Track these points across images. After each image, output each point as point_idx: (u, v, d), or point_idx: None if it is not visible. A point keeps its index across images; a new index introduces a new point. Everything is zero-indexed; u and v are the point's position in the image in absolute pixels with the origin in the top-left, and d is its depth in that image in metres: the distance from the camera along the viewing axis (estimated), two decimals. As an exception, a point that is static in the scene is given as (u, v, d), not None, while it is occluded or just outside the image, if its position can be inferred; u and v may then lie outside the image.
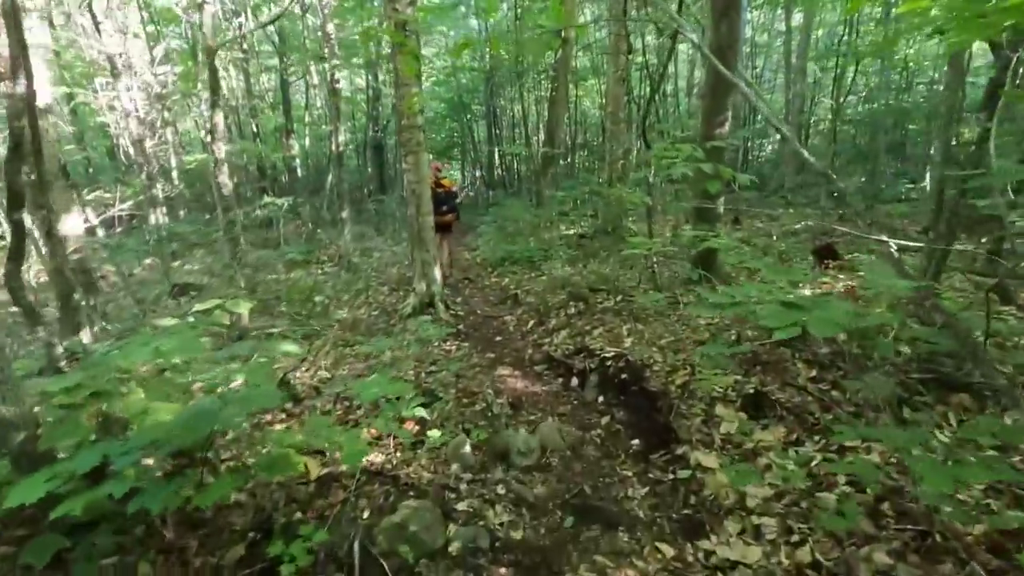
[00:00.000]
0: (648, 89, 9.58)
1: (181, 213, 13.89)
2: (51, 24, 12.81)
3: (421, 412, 3.20)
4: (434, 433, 3.28)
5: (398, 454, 3.21)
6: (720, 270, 6.39)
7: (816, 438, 3.01)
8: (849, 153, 13.66)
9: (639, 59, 10.52)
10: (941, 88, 15.17)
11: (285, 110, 16.34)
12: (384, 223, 14.08)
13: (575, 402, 4.16)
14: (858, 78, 14.66)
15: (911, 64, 15.53)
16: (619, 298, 5.83)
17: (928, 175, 12.40)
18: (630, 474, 3.14)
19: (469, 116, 22.14)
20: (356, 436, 3.08)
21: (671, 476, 3.03)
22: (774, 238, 8.04)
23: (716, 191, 4.59)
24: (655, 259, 6.09)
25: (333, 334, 6.22)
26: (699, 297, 5.74)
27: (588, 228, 10.47)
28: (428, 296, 6.47)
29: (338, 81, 8.31)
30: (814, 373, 3.48)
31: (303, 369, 5.11)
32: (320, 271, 9.68)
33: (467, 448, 3.22)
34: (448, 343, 5.61)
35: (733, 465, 2.91)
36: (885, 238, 2.58)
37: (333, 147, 8.97)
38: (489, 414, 3.90)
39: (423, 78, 23.66)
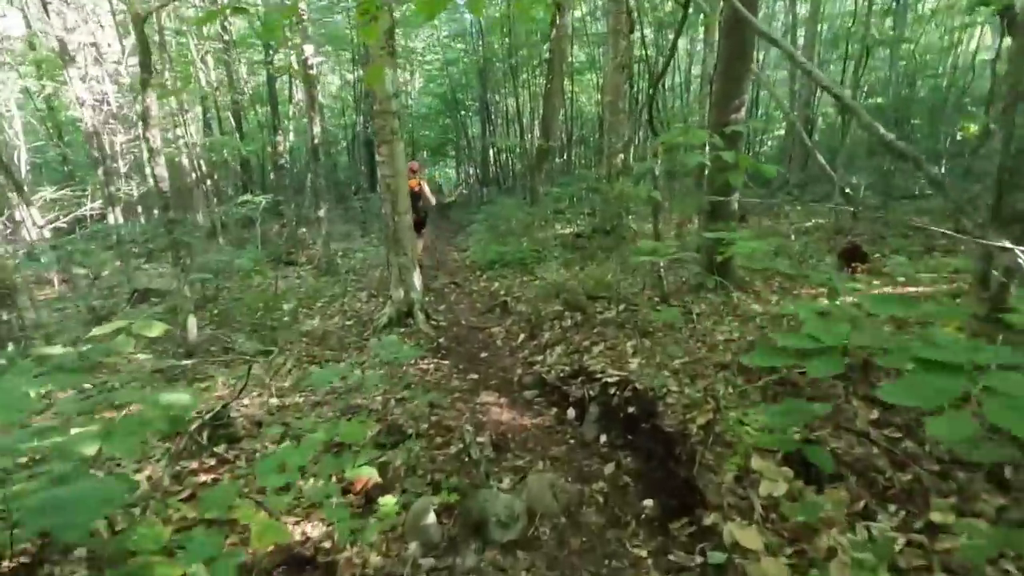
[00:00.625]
0: (648, 75, 8.81)
1: (155, 212, 13.05)
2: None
3: (369, 472, 2.42)
4: (387, 502, 2.49)
5: (337, 530, 2.43)
6: (734, 275, 5.65)
7: (892, 508, 2.25)
8: (861, 147, 12.90)
9: (638, 51, 9.75)
10: (945, 83, 14.49)
11: (271, 104, 15.48)
12: (370, 222, 13.28)
13: (571, 441, 3.38)
14: (866, 71, 13.92)
15: (916, 57, 14.82)
16: (621, 307, 5.05)
17: (943, 170, 11.67)
18: (644, 554, 2.36)
19: (463, 112, 21.34)
20: (278, 504, 2.30)
21: (699, 559, 2.26)
22: (791, 237, 7.27)
23: (738, 184, 3.81)
24: (661, 263, 5.32)
25: (298, 349, 5.44)
26: (712, 304, 5.00)
27: (585, 227, 9.69)
28: (407, 305, 5.68)
29: (311, 66, 7.49)
30: (876, 414, 2.71)
31: (255, 394, 4.32)
32: (297, 274, 8.88)
33: (431, 518, 2.44)
34: (426, 360, 4.83)
35: (783, 547, 2.15)
36: (1008, 244, 1.81)
37: (309, 141, 8.15)
38: (466, 458, 3.13)
39: (415, 74, 22.89)
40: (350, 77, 18.80)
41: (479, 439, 3.33)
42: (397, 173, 5.38)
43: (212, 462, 3.20)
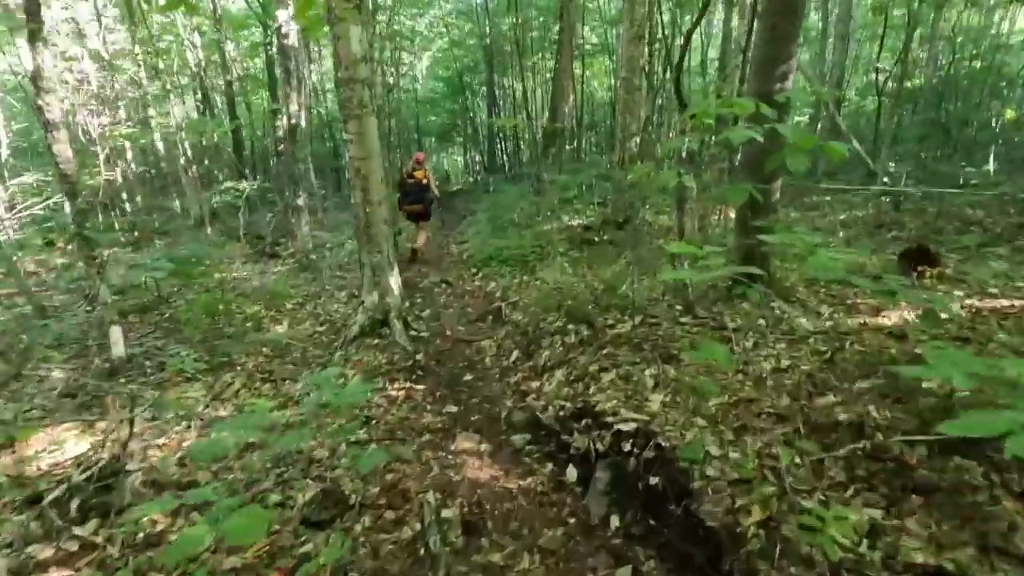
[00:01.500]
0: (666, 50, 7.73)
1: (138, 198, 12.25)
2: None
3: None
4: None
5: None
6: (773, 279, 4.65)
7: None
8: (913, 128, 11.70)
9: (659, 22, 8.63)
10: (979, 64, 13.15)
11: (270, 85, 14.50)
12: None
13: (572, 521, 2.44)
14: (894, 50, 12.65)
15: (952, 36, 13.50)
16: (637, 320, 4.07)
17: (992, 158, 10.48)
18: None
19: (469, 95, 20.24)
20: None
21: None
22: (840, 234, 6.22)
23: (802, 168, 2.79)
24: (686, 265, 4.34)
25: (254, 364, 4.54)
26: (750, 318, 4.01)
27: (595, 218, 8.67)
28: (382, 311, 4.75)
29: (286, 34, 6.52)
30: (1046, 527, 1.72)
31: (176, 430, 3.42)
32: (274, 269, 7.98)
33: None
34: (397, 384, 3.89)
35: None
36: None
37: (286, 120, 7.21)
38: (422, 550, 2.20)
39: (420, 56, 21.76)
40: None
41: (445, 513, 2.40)
42: (369, 154, 4.42)
43: (74, 547, 2.29)
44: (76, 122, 11.67)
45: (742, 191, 2.86)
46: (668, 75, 9.89)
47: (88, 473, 2.47)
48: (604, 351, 3.72)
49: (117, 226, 13.34)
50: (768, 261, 4.45)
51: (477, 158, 22.40)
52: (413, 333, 4.76)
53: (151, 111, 10.24)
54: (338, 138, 19.71)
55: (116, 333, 3.93)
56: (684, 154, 4.06)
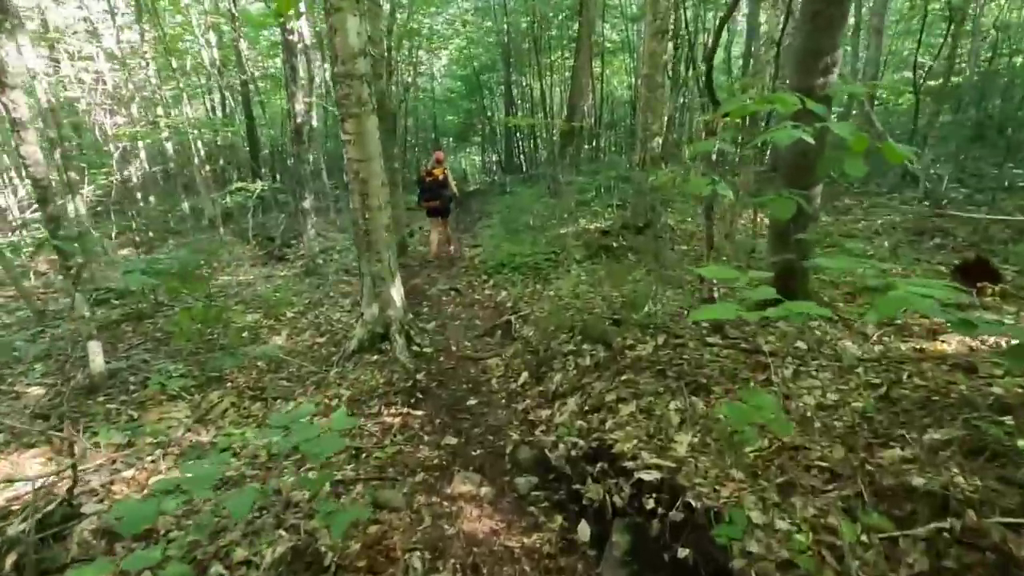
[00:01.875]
0: (689, 44, 7.26)
1: (151, 198, 12.12)
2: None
3: None
4: None
5: None
6: (809, 293, 4.21)
7: None
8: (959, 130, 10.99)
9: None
10: (1021, 60, 12.33)
11: (286, 84, 14.29)
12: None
13: (583, 595, 2.04)
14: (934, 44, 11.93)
15: (993, 31, 12.70)
16: (660, 340, 3.65)
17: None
18: None
19: (486, 94, 19.86)
20: None
21: None
22: (885, 244, 5.70)
23: (861, 173, 2.34)
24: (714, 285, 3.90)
25: (244, 380, 4.22)
26: (787, 339, 3.57)
27: (613, 222, 8.22)
28: (382, 325, 4.39)
29: (291, 31, 6.21)
30: None
31: (153, 456, 3.10)
32: (279, 274, 7.70)
33: None
34: (394, 409, 3.52)
35: None
36: None
37: (292, 120, 6.90)
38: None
39: (438, 54, 21.42)
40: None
41: (435, 581, 2.02)
42: (369, 156, 4.06)
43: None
44: (92, 122, 11.59)
45: (787, 203, 2.43)
46: (691, 72, 9.40)
47: (28, 524, 2.14)
48: (623, 377, 3.31)
49: (134, 225, 13.28)
50: (806, 275, 4.00)
51: (494, 158, 22.03)
52: (416, 348, 4.39)
53: (159, 111, 10.05)
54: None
55: (94, 348, 3.63)
56: (714, 156, 3.62)
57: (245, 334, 5.16)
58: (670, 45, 7.25)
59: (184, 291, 5.08)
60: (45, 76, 6.91)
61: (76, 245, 3.49)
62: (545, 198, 9.50)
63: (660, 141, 7.61)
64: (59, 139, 6.54)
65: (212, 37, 11.69)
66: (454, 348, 4.47)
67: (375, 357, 4.29)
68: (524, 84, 18.87)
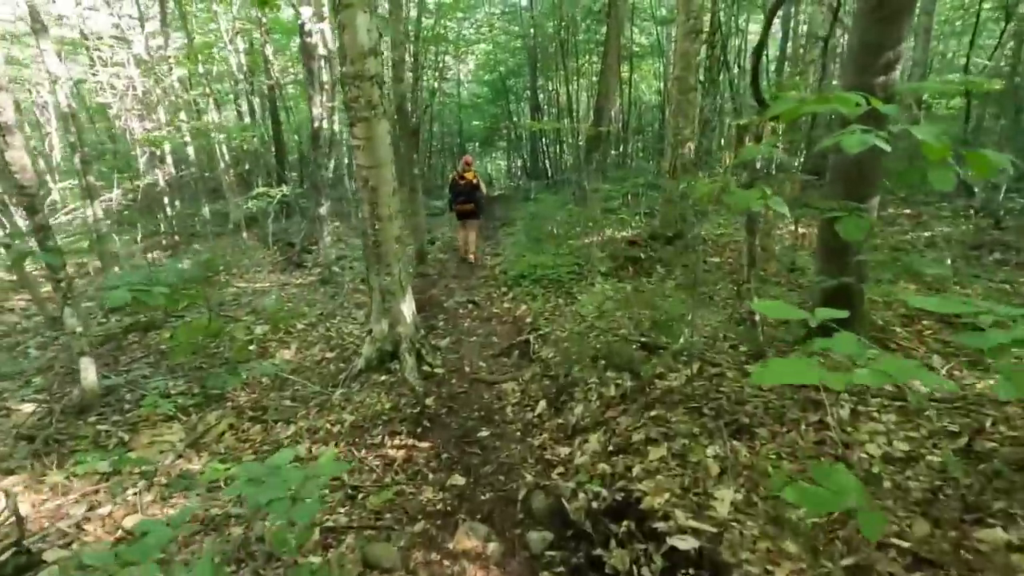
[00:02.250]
0: (712, 41, 6.81)
1: (177, 202, 12.14)
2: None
3: None
4: None
5: None
6: (864, 318, 3.76)
7: None
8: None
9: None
10: None
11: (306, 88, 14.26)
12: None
13: None
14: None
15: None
16: (695, 368, 3.25)
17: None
18: None
19: (512, 99, 19.59)
20: None
21: None
22: (948, 262, 5.16)
23: (949, 187, 1.91)
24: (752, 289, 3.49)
25: (248, 400, 3.96)
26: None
27: (641, 231, 7.81)
28: (391, 342, 4.09)
29: (309, 32, 5.99)
30: None
31: (136, 489, 2.84)
32: (297, 281, 7.50)
33: None
34: (398, 440, 3.21)
35: None
36: None
37: (310, 124, 6.70)
38: None
39: (465, 60, 21.25)
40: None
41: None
42: (379, 163, 3.76)
43: None
44: (122, 127, 11.70)
45: (860, 223, 2.02)
46: (726, 74, 8.90)
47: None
48: (652, 412, 2.92)
49: (163, 228, 13.37)
50: (861, 298, 3.55)
51: (519, 163, 21.73)
52: (426, 368, 4.07)
53: (182, 115, 10.02)
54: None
55: (86, 365, 3.42)
56: (758, 164, 3.21)
57: (253, 347, 4.93)
58: (703, 46, 6.82)
59: (182, 305, 4.88)
60: (70, 81, 6.87)
61: (62, 257, 3.27)
62: (570, 205, 9.13)
63: (692, 147, 7.17)
64: (80, 143, 6.46)
65: (240, 43, 11.69)
66: (468, 369, 4.14)
67: (383, 377, 3.98)
68: (550, 89, 18.54)
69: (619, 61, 9.43)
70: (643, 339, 3.78)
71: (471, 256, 8.09)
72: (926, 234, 7.23)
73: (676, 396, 3.04)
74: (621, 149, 14.01)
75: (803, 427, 2.63)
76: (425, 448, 3.11)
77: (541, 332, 4.48)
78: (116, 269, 6.69)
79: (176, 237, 12.33)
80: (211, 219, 13.45)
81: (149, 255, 12.10)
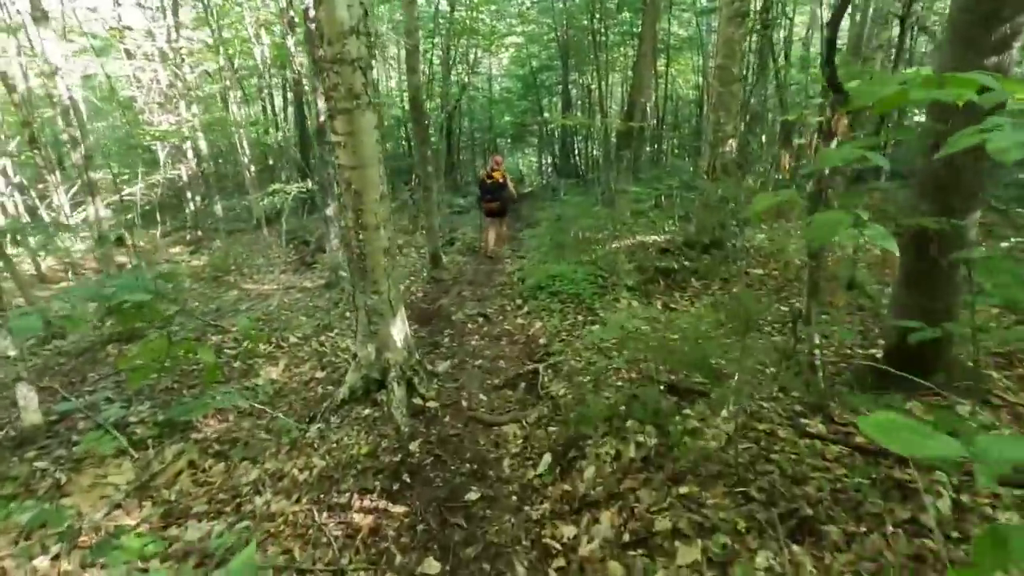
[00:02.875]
0: (758, 23, 5.95)
1: (196, 198, 11.92)
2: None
3: None
4: None
5: None
6: (954, 364, 3.02)
7: None
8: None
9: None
10: None
11: (314, 76, 13.82)
12: (425, 218, 11.29)
13: None
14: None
15: None
16: (739, 422, 2.56)
17: None
18: None
19: (543, 94, 18.84)
20: None
21: None
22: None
23: None
24: (816, 338, 2.77)
25: (216, 430, 3.46)
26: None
27: (675, 236, 7.05)
28: (379, 369, 3.53)
29: (315, 20, 5.44)
30: None
31: (55, 549, 2.35)
32: (304, 284, 7.05)
33: None
34: (368, 500, 2.63)
35: None
36: None
37: (314, 119, 6.20)
38: None
39: (494, 50, 20.61)
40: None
41: None
42: (364, 163, 3.18)
43: None
44: (146, 120, 11.52)
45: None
46: (776, 63, 7.99)
47: None
48: (681, 488, 2.26)
49: (189, 222, 13.24)
50: (949, 337, 2.79)
51: (549, 159, 21.01)
52: (418, 402, 3.49)
53: (194, 108, 9.72)
54: (400, 136, 18.92)
55: (24, 392, 2.96)
56: (827, 171, 2.48)
57: (237, 363, 4.45)
58: (750, 32, 6.01)
59: (167, 315, 4.42)
60: (68, 72, 6.55)
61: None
62: (597, 207, 8.41)
63: (735, 144, 6.38)
64: (82, 137, 6.12)
65: (265, 37, 11.34)
66: (466, 403, 3.53)
67: (367, 411, 3.42)
68: (582, 83, 17.73)
69: (655, 52, 8.64)
70: (673, 379, 3.10)
71: (492, 252, 8.13)
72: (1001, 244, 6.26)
73: (714, 465, 2.36)
74: (655, 146, 13.14)
75: (889, 527, 1.93)
76: (398, 515, 2.52)
77: (553, 360, 3.84)
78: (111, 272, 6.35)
79: (199, 232, 12.15)
80: (236, 214, 13.25)
81: (172, 250, 11.97)
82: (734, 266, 6.02)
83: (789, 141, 8.34)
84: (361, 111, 3.10)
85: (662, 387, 2.97)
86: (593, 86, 13.92)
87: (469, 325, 5.15)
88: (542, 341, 4.45)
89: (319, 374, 4.30)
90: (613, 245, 6.95)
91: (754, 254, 6.43)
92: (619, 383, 3.27)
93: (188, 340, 3.52)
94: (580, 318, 4.77)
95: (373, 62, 3.44)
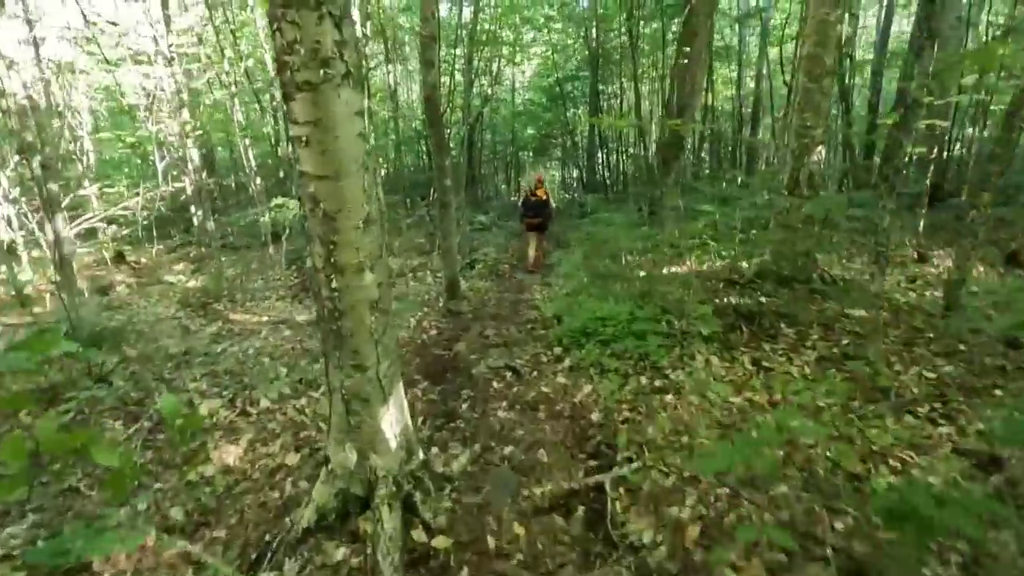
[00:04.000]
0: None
1: (199, 212, 10.92)
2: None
3: None
4: None
5: None
6: None
7: None
8: None
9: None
10: None
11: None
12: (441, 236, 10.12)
13: None
14: None
15: None
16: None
17: None
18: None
19: (568, 104, 17.66)
20: None
21: None
22: None
23: None
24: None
25: (120, 571, 2.25)
26: None
27: (743, 263, 5.73)
28: (362, 483, 2.28)
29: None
30: None
31: None
32: (296, 319, 5.87)
33: None
34: None
35: None
36: None
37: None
38: None
39: (521, 66, 19.55)
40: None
41: None
42: (339, 171, 1.97)
43: None
44: (147, 129, 10.60)
45: None
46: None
47: None
48: None
49: (194, 238, 12.28)
50: None
51: (575, 174, 19.77)
52: (419, 534, 2.23)
53: (184, 113, 8.73)
54: (418, 149, 17.93)
55: None
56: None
57: (193, 443, 3.25)
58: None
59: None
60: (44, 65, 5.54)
61: None
62: (641, 226, 7.12)
63: (822, 152, 5.07)
64: (39, 145, 5.08)
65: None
66: (492, 539, 2.25)
67: (340, 550, 2.18)
68: (611, 92, 16.51)
69: (710, 47, 7.37)
70: (847, 545, 1.79)
71: (532, 266, 8.22)
72: None
73: None
74: (694, 158, 11.82)
75: None
76: None
77: (623, 465, 2.54)
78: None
79: (203, 249, 11.15)
80: (244, 228, 12.24)
81: (176, 267, 10.98)
82: (826, 305, 4.69)
83: (899, 147, 7.00)
84: (333, 87, 1.90)
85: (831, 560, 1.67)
86: (628, 90, 12.69)
87: (494, 383, 3.89)
88: (596, 417, 3.18)
89: (291, 458, 3.08)
90: (664, 270, 5.67)
91: (839, 285, 5.09)
92: (744, 519, 1.97)
93: (85, 430, 2.32)
94: (644, 381, 3.49)
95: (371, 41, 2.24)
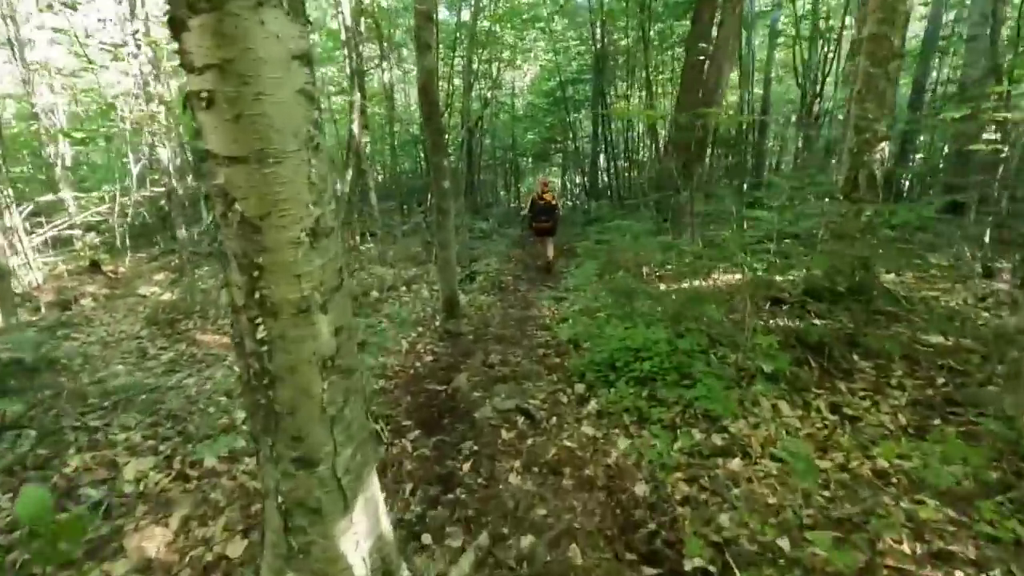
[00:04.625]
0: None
1: (180, 220, 10.12)
2: None
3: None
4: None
5: None
6: None
7: None
8: None
9: None
10: None
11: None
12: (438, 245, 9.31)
13: None
14: None
15: None
16: None
17: None
18: None
19: (571, 109, 16.91)
20: None
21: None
22: None
23: None
24: None
25: None
26: None
27: (782, 279, 4.94)
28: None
29: None
30: None
31: None
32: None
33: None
34: None
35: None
36: None
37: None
38: None
39: (519, 64, 18.81)
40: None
41: None
42: (266, 153, 1.17)
43: None
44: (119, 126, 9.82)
45: None
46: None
47: None
48: None
49: (177, 246, 11.46)
50: None
51: (577, 179, 19.02)
52: None
53: (154, 107, 7.93)
54: (416, 153, 17.19)
55: None
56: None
57: (100, 522, 2.42)
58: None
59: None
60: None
61: None
62: (660, 235, 6.34)
63: (887, 150, 4.30)
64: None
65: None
66: None
67: None
68: (616, 94, 15.76)
69: (739, 36, 6.62)
70: None
71: (550, 262, 8.24)
72: None
73: None
74: (711, 164, 11.07)
75: None
76: None
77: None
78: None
79: (185, 258, 10.32)
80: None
81: (156, 277, 10.16)
82: (896, 330, 3.90)
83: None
84: (252, 5, 1.11)
85: None
86: (635, 93, 11.97)
87: (503, 432, 3.07)
88: (641, 491, 2.37)
89: (235, 548, 2.26)
90: (692, 282, 4.88)
91: (903, 302, 4.31)
92: None
93: None
94: (697, 435, 2.68)
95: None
